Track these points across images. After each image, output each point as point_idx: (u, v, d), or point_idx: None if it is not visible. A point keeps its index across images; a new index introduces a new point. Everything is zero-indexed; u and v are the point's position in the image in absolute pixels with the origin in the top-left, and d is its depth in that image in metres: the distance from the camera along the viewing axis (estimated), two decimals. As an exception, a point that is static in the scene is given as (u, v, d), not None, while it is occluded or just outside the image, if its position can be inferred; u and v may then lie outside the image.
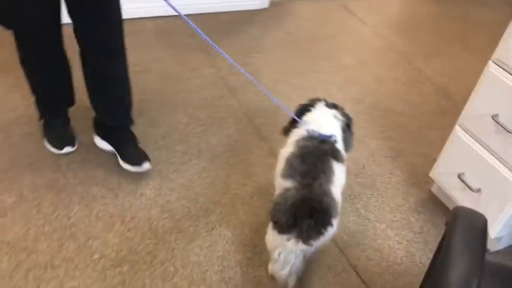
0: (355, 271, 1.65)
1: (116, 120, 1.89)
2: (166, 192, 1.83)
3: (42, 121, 1.96)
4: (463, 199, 1.78)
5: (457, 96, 2.66)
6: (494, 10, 3.70)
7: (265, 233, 1.45)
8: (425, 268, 1.31)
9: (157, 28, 2.85)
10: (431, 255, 1.75)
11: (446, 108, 2.55)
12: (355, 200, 1.92)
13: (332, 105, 1.61)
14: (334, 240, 1.73)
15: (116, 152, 1.92)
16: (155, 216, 1.74)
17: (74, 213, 1.71)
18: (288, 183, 1.35)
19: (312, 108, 1.58)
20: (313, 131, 1.46)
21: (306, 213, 1.26)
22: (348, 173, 2.01)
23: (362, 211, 1.88)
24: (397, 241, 1.78)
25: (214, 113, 2.27)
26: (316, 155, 1.40)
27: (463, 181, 1.73)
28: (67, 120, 1.99)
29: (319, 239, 1.30)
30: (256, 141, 2.14)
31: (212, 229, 1.71)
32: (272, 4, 3.26)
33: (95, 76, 1.76)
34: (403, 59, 2.92)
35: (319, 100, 1.61)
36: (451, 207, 1.93)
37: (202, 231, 1.70)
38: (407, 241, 1.79)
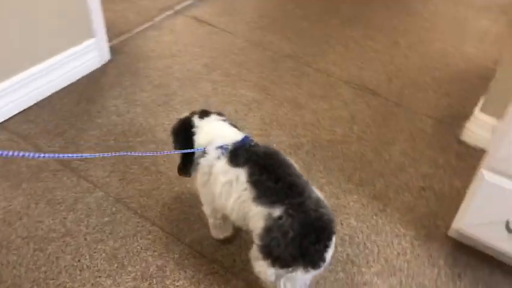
0: None
1: None
2: None
3: None
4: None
5: (383, 91, 2.28)
6: None
7: None
8: None
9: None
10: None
11: (383, 108, 2.16)
12: (390, 304, 1.43)
13: (206, 113, 1.42)
14: None
15: None
16: None
17: None
18: (276, 211, 1.15)
19: (194, 129, 1.37)
20: (225, 144, 1.29)
21: (312, 240, 1.13)
22: (355, 264, 1.52)
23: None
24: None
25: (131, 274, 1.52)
26: (273, 161, 1.24)
27: (514, 231, 1.35)
28: None
29: (328, 252, 1.16)
30: None
31: None
32: (114, 51, 2.42)
33: None
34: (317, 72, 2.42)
35: (188, 118, 1.41)
36: (486, 251, 1.56)
37: None
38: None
